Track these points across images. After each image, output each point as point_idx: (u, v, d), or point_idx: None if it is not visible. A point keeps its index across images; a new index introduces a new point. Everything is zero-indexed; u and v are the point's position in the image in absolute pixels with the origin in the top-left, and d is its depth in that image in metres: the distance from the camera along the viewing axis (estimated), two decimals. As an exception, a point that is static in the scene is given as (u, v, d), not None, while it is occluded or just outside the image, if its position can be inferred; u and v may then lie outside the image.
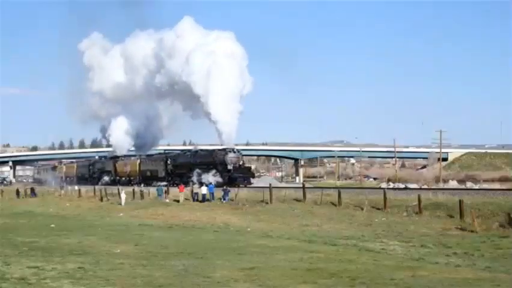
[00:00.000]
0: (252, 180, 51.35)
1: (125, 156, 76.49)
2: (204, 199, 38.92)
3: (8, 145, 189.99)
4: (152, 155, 71.94)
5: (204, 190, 39.81)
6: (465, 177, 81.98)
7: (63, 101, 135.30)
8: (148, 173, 62.36)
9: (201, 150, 56.74)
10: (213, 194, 39.61)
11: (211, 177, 47.71)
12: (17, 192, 58.67)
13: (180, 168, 55.59)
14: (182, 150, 71.75)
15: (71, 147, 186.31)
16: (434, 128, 74.49)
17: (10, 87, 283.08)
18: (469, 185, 54.58)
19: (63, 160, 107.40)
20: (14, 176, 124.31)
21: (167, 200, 41.64)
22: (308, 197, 33.96)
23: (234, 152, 50.45)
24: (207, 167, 50.10)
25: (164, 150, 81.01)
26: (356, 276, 13.17)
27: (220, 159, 49.64)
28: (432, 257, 16.64)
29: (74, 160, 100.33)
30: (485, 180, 74.41)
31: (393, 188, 41.50)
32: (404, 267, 14.53)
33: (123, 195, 41.95)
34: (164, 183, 53.43)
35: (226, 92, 52.51)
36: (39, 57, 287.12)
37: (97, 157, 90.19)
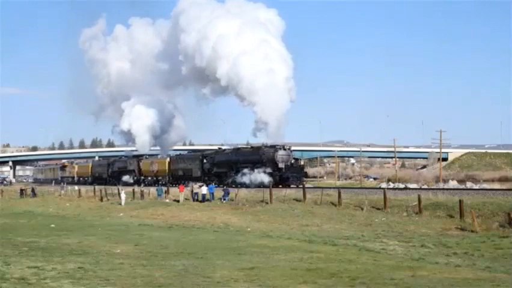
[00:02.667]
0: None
1: (150, 154, 73.27)
2: (203, 199, 38.95)
3: (8, 145, 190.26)
4: (180, 153, 69.30)
5: (203, 190, 39.84)
6: (465, 177, 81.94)
7: (69, 99, 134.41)
8: (180, 173, 58.92)
9: (243, 147, 52.79)
10: (213, 194, 39.64)
11: (262, 176, 44.92)
12: (21, 191, 58.68)
13: (219, 167, 52.26)
14: (218, 148, 64.93)
15: (71, 147, 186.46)
16: (434, 128, 74.59)
17: (10, 87, 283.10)
18: (469, 185, 54.49)
19: (74, 159, 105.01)
20: (14, 176, 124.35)
21: (167, 200, 41.67)
22: (308, 197, 33.97)
23: (285, 150, 46.84)
24: (253, 166, 46.74)
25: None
26: (356, 276, 13.17)
27: (269, 156, 46.08)
28: (432, 257, 16.64)
29: (87, 160, 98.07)
30: (485, 180, 74.33)
31: (393, 188, 41.45)
32: (404, 267, 14.52)
33: (123, 195, 41.96)
34: (201, 183, 49.60)
35: (274, 83, 48.62)
36: (40, 57, 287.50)
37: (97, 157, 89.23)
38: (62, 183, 69.23)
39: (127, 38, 78.58)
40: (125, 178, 67.92)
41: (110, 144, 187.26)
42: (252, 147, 50.03)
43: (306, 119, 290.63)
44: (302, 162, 51.16)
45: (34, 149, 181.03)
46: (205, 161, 54.78)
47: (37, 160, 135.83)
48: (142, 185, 58.35)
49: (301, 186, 42.08)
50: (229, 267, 14.56)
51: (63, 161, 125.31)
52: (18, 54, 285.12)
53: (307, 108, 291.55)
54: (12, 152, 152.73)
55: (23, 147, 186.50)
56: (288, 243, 20.26)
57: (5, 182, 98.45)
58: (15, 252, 17.71)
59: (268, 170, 45.37)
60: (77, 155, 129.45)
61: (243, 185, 45.05)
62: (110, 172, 74.67)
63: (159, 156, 69.47)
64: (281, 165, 45.33)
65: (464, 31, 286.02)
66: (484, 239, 20.21)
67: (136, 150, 78.75)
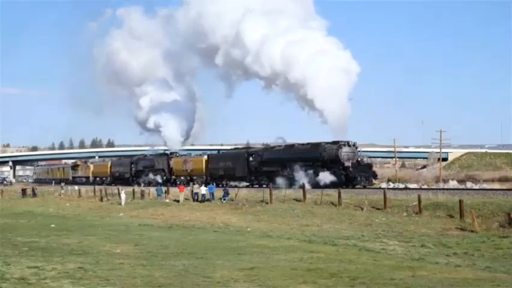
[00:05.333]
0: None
1: (184, 153, 68.32)
2: (203, 199, 38.96)
3: (8, 145, 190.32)
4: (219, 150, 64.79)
5: (203, 190, 39.85)
6: (465, 177, 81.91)
7: (71, 98, 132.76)
8: (221, 172, 53.68)
9: (298, 144, 47.04)
10: (212, 194, 39.65)
11: (324, 176, 40.72)
12: (23, 191, 58.66)
13: (269, 165, 47.18)
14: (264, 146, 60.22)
15: (71, 147, 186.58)
16: (434, 128, 74.43)
17: (10, 87, 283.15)
18: (469, 185, 54.43)
19: (88, 158, 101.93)
20: (14, 176, 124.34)
21: (167, 200, 41.70)
22: (308, 197, 33.96)
23: (349, 146, 41.85)
24: (312, 164, 42.30)
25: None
26: (356, 276, 13.17)
27: (332, 154, 41.34)
28: (432, 257, 16.64)
29: (104, 159, 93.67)
30: (485, 180, 74.31)
31: (393, 188, 41.37)
32: (404, 267, 14.53)
33: (123, 195, 41.99)
34: (245, 183, 47.55)
35: (332, 75, 44.58)
36: (40, 57, 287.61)
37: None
38: (62, 184, 66.19)
39: (133, 26, 76.92)
40: (153, 178, 62.21)
41: (110, 144, 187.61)
42: (308, 143, 45.08)
43: (306, 119, 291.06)
44: (369, 160, 46.92)
45: (34, 149, 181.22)
46: (251, 158, 49.52)
47: (37, 160, 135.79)
48: (142, 185, 57.86)
49: (370, 187, 39.78)
50: (229, 267, 14.56)
51: (66, 160, 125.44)
52: (18, 54, 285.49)
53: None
54: (12, 152, 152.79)
55: (23, 147, 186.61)
56: (288, 243, 20.26)
57: (5, 182, 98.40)
58: (15, 252, 17.71)
59: (332, 168, 41.00)
60: (77, 155, 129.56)
61: (300, 185, 39.65)
62: (134, 171, 68.39)
63: (194, 154, 65.22)
64: (347, 163, 40.74)
65: (464, 31, 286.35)
66: (484, 239, 20.21)
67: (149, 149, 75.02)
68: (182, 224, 28.68)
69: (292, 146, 47.12)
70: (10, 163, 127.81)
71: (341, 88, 44.75)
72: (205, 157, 57.93)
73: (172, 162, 62.05)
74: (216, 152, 67.18)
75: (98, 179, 76.48)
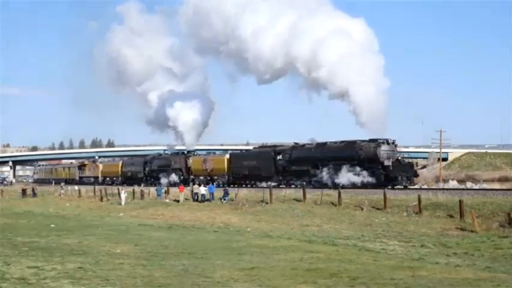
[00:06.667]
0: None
1: (208, 152, 66.68)
2: (203, 199, 38.96)
3: (8, 145, 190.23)
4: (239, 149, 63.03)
5: (203, 190, 39.85)
6: (465, 177, 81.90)
7: (73, 96, 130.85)
8: (245, 171, 51.15)
9: (330, 142, 44.58)
10: (212, 194, 39.66)
11: (362, 175, 39.17)
12: (23, 191, 58.67)
13: (298, 164, 45.02)
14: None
15: (71, 147, 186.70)
16: (434, 128, 74.29)
17: (10, 87, 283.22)
18: (469, 185, 54.44)
19: (88, 158, 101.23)
20: (14, 176, 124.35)
21: (167, 200, 41.71)
22: (308, 197, 33.97)
23: (388, 144, 39.79)
24: (348, 163, 40.25)
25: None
26: (356, 276, 13.17)
27: (369, 152, 39.42)
28: (432, 257, 16.64)
29: (114, 158, 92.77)
30: (485, 180, 74.30)
31: (393, 188, 41.38)
32: (404, 267, 14.52)
33: (123, 195, 42.02)
34: (272, 183, 45.23)
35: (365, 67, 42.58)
36: (40, 57, 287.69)
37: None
38: (62, 184, 65.68)
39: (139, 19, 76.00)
40: (170, 177, 59.05)
41: (110, 144, 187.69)
42: (342, 141, 42.88)
43: (305, 118, 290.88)
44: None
45: (34, 149, 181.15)
46: (279, 157, 47.25)
47: (37, 160, 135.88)
48: (142, 185, 57.70)
49: (412, 187, 38.11)
50: (229, 267, 14.56)
51: (65, 160, 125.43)
52: (18, 53, 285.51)
53: (308, 107, 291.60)
54: (12, 152, 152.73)
55: (23, 147, 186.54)
56: (288, 243, 20.26)
57: (5, 182, 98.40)
58: (15, 252, 17.70)
59: (369, 168, 39.20)
60: (77, 155, 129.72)
61: (334, 186, 38.54)
62: (148, 171, 65.54)
63: (216, 153, 63.73)
64: (387, 162, 38.70)
65: (463, 31, 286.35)
66: (484, 239, 20.21)
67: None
68: (182, 224, 28.69)
69: (324, 144, 44.78)
70: (10, 163, 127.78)
71: (378, 83, 43.03)
72: (227, 156, 55.83)
73: (190, 162, 59.58)
74: (219, 151, 66.41)
75: (107, 179, 74.04)
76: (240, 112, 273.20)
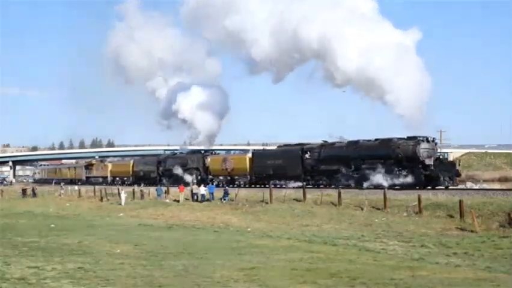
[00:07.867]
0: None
1: (227, 151, 63.86)
2: (203, 199, 38.97)
3: (8, 145, 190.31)
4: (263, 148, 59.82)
5: (203, 190, 39.86)
6: (465, 177, 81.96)
7: (74, 97, 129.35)
8: (269, 171, 48.01)
9: (363, 140, 41.96)
10: (212, 194, 39.67)
11: (401, 175, 37.12)
12: (23, 191, 58.65)
13: (328, 164, 42.40)
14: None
15: (71, 147, 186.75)
16: (434, 128, 74.29)
17: (10, 87, 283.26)
18: (469, 185, 54.41)
19: (88, 159, 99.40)
20: (14, 176, 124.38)
21: (167, 200, 41.70)
22: (308, 197, 33.96)
23: (428, 142, 37.50)
24: (384, 162, 37.99)
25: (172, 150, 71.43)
26: (356, 276, 13.17)
27: (408, 151, 37.07)
28: (432, 257, 16.64)
29: (123, 157, 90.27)
30: (485, 180, 74.38)
31: (393, 188, 41.36)
32: (404, 267, 14.53)
33: (123, 195, 42.02)
34: (299, 183, 42.50)
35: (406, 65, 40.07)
36: (40, 57, 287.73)
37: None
38: (61, 184, 64.57)
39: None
40: (186, 177, 55.83)
41: (110, 144, 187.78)
42: (377, 139, 40.60)
43: (305, 117, 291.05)
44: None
45: (34, 149, 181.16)
46: (307, 156, 44.49)
47: (37, 160, 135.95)
48: (142, 185, 57.40)
49: (454, 187, 36.18)
50: (229, 267, 14.56)
51: (69, 160, 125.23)
52: (18, 53, 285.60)
53: (308, 107, 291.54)
54: (12, 152, 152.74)
55: (23, 147, 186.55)
56: (288, 243, 20.27)
57: (5, 182, 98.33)
58: (15, 252, 17.73)
59: (408, 167, 37.08)
60: (77, 155, 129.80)
61: (369, 186, 37.38)
62: (162, 170, 62.20)
63: (235, 152, 61.36)
64: (428, 161, 36.39)
65: (463, 30, 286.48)
66: (484, 239, 20.20)
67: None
68: (182, 224, 28.69)
69: (356, 142, 41.97)
70: (10, 163, 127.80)
71: (418, 77, 40.57)
72: (249, 155, 52.84)
73: (208, 161, 56.25)
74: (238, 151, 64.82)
75: (117, 178, 70.59)
76: (241, 112, 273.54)
